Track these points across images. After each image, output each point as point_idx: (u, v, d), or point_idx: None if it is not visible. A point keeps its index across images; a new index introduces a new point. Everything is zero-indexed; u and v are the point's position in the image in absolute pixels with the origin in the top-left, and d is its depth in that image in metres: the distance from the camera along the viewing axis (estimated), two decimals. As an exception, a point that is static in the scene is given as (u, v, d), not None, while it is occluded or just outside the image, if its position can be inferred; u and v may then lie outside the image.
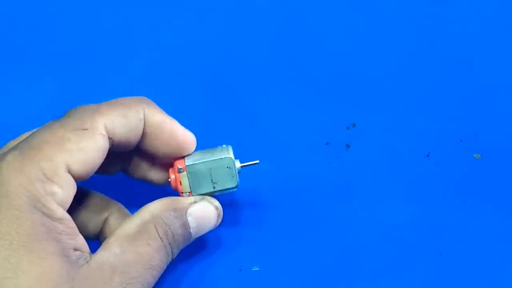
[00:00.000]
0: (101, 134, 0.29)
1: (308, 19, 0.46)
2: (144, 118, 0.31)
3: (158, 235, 0.29)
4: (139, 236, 0.29)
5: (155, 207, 0.30)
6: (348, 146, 0.41)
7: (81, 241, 0.28)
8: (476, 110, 0.42)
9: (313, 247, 0.38)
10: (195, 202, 0.31)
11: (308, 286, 0.37)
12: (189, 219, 0.31)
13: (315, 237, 0.38)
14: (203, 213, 0.31)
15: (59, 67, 0.44)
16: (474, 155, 0.41)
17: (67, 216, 0.27)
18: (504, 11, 0.46)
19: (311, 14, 0.46)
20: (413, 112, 0.42)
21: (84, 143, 0.28)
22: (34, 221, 0.26)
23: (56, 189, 0.27)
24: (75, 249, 0.27)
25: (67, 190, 0.27)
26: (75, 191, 0.28)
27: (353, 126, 0.42)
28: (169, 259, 0.31)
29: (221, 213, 0.32)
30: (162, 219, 0.30)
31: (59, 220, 0.27)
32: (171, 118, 0.32)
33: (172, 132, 0.31)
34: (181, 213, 0.31)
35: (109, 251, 0.28)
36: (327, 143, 0.41)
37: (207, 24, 0.46)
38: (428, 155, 0.41)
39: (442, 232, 0.39)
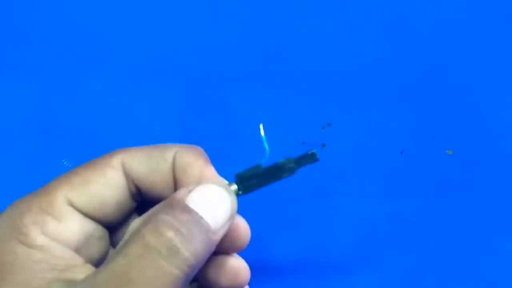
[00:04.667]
0: (112, 167, 0.27)
1: (283, 21, 0.46)
2: (174, 160, 0.27)
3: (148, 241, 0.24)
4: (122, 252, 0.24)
5: (142, 217, 0.26)
6: (323, 145, 0.42)
7: (77, 270, 0.25)
8: (447, 108, 0.43)
9: (290, 244, 0.39)
10: (189, 191, 0.26)
11: (286, 282, 0.38)
12: (193, 205, 0.25)
13: (292, 235, 0.39)
14: (208, 194, 0.26)
15: (38, 74, 0.44)
16: (447, 151, 0.42)
17: (54, 245, 0.25)
18: (474, 12, 0.47)
19: (286, 17, 0.46)
20: (386, 110, 0.43)
21: (90, 177, 0.27)
22: (4, 249, 0.25)
23: (47, 219, 0.26)
24: (58, 279, 0.24)
25: (67, 223, 0.26)
26: (84, 226, 0.27)
27: (328, 126, 0.42)
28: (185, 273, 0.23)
29: (229, 188, 0.27)
30: (158, 217, 0.24)
31: (38, 247, 0.25)
32: (206, 161, 0.28)
33: (200, 176, 0.27)
34: (182, 203, 0.25)
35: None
36: (303, 143, 0.42)
37: (183, 29, 0.46)
38: (401, 152, 0.42)
39: (417, 227, 0.39)
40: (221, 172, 0.34)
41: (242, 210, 0.39)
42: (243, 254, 0.38)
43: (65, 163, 0.41)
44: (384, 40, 0.46)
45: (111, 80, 0.44)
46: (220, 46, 0.45)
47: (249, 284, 0.30)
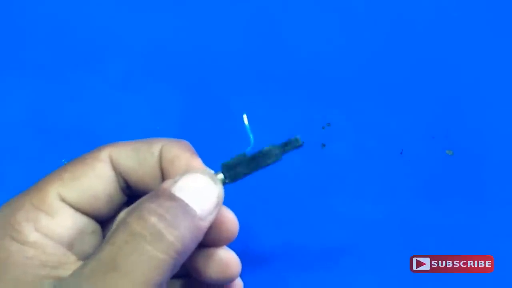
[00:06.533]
0: (101, 161, 0.27)
1: (283, 21, 0.46)
2: (160, 154, 0.28)
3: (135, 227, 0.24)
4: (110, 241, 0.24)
5: (128, 209, 0.26)
6: (323, 145, 0.42)
7: (69, 267, 0.25)
8: (447, 108, 0.43)
9: (289, 244, 0.39)
10: (175, 181, 0.26)
11: (285, 282, 0.38)
12: (179, 194, 0.25)
13: (291, 234, 0.39)
14: (194, 182, 0.26)
15: (38, 74, 0.44)
16: (446, 151, 0.42)
17: (47, 241, 0.26)
18: (473, 12, 0.47)
19: (284, 17, 0.46)
20: (386, 110, 0.43)
21: (80, 171, 0.27)
22: None
23: (40, 216, 0.26)
24: (49, 277, 0.24)
25: (59, 218, 0.26)
26: (77, 221, 0.27)
27: (328, 126, 0.43)
28: (171, 262, 0.23)
29: (215, 177, 0.27)
30: (141, 207, 0.24)
31: (31, 243, 0.25)
32: (192, 153, 0.28)
33: (187, 167, 0.27)
34: (167, 192, 0.25)
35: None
36: (303, 142, 0.42)
37: (183, 29, 0.46)
38: (401, 153, 0.42)
39: (416, 227, 0.39)
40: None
41: (245, 208, 0.39)
42: (242, 248, 0.38)
43: (64, 163, 0.41)
44: (384, 40, 0.46)
45: (111, 80, 0.44)
46: (220, 46, 0.45)
47: (241, 276, 0.30)
